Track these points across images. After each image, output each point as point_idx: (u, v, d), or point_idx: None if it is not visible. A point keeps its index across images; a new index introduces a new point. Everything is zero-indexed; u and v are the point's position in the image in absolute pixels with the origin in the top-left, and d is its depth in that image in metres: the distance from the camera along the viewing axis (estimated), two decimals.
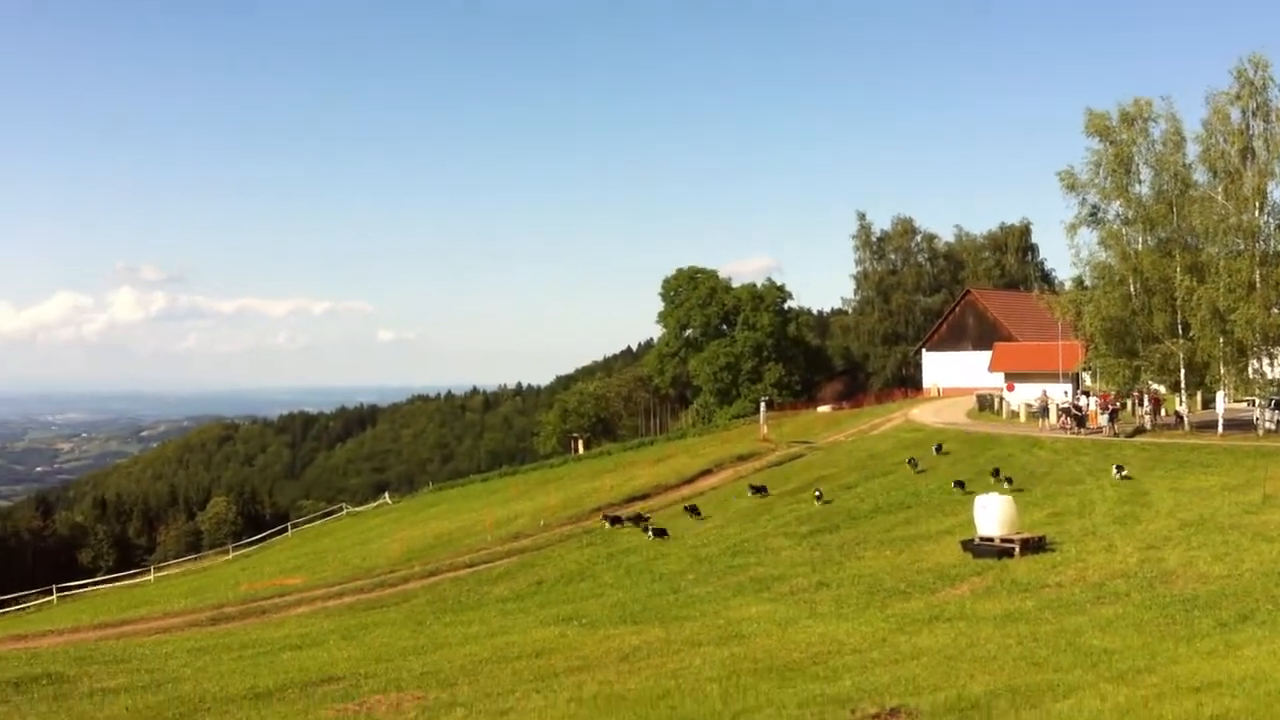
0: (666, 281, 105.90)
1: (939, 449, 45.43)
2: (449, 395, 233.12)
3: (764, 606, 21.60)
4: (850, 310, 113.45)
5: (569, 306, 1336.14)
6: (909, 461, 42.58)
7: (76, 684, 18.90)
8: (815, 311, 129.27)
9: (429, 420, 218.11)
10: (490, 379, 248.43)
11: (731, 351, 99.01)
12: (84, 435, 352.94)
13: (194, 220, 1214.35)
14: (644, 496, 49.49)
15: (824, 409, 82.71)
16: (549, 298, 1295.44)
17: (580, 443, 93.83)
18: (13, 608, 60.32)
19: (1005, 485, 34.25)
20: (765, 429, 64.07)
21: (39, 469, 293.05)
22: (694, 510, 38.96)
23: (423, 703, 15.17)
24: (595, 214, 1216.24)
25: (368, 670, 18.29)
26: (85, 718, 15.75)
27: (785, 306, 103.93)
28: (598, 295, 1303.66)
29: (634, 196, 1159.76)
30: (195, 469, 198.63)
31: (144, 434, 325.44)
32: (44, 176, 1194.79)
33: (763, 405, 71.47)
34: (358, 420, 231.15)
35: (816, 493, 37.54)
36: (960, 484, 35.23)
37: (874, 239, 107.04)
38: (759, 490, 41.53)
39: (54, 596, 61.47)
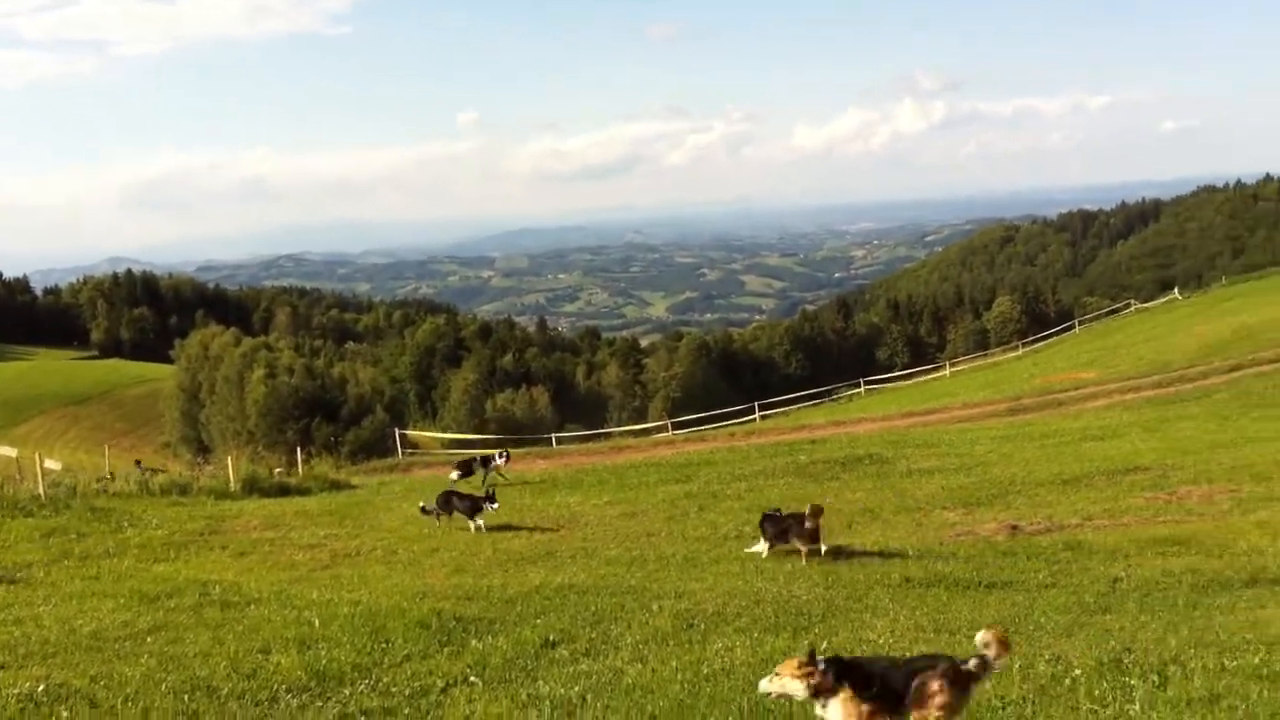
0: None
1: None
2: (1239, 184, 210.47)
3: None
4: None
5: None
6: None
7: (894, 464, 21.55)
8: None
9: (1216, 212, 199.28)
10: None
11: None
12: (874, 242, 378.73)
13: (969, 21, 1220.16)
14: None
15: None
16: None
17: None
18: (826, 398, 68.19)
19: None
20: None
21: (836, 275, 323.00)
22: None
23: (1236, 495, 15.03)
24: None
25: (1174, 462, 18.40)
26: (906, 493, 18.04)
27: None
28: None
29: None
30: (978, 270, 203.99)
31: (928, 239, 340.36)
32: None
33: None
34: (1139, 215, 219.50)
35: None
36: None
37: None
38: None
39: (861, 388, 68.38)
